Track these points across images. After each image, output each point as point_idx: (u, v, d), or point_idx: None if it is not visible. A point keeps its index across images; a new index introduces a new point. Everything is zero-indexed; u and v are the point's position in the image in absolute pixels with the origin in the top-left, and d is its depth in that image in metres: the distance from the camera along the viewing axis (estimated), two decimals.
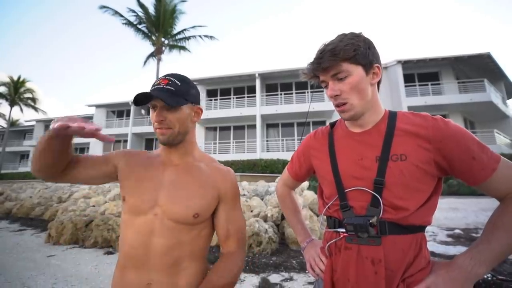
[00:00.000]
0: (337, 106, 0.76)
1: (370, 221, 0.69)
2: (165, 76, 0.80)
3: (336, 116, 14.77)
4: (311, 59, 0.77)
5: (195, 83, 0.87)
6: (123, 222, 0.81)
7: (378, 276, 0.68)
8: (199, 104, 0.87)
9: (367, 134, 0.77)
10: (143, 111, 21.50)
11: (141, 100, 0.75)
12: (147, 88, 0.85)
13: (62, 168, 0.77)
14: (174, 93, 0.77)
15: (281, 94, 16.77)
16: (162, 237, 0.76)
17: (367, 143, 0.76)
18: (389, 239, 0.69)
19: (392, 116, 0.77)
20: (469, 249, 0.67)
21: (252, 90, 17.26)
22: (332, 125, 0.91)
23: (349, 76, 0.72)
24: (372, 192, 0.71)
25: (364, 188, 0.72)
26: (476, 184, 0.67)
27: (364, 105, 0.75)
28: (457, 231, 4.77)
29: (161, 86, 0.77)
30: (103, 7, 15.66)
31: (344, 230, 0.74)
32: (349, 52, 0.70)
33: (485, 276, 2.56)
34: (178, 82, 0.79)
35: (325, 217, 0.85)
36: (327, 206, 0.81)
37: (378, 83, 0.79)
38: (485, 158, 0.65)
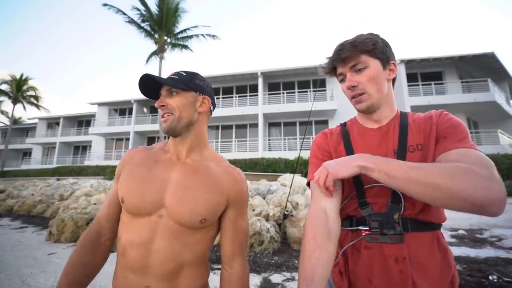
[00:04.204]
0: (353, 97, 0.79)
1: (393, 218, 0.68)
2: (176, 71, 0.85)
3: (338, 116, 14.86)
4: (330, 53, 0.81)
5: None
6: (123, 222, 0.79)
7: (403, 275, 0.65)
8: (207, 95, 0.85)
9: (383, 129, 0.79)
10: (145, 110, 21.57)
11: (148, 91, 0.82)
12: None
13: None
14: (176, 80, 0.80)
15: (283, 93, 16.74)
16: (165, 239, 0.73)
17: (384, 137, 0.78)
18: (412, 236, 0.68)
19: (403, 114, 0.81)
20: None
21: (254, 88, 17.24)
22: (344, 125, 0.90)
23: (367, 67, 0.76)
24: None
25: (384, 184, 0.70)
26: (438, 153, 0.67)
27: (381, 98, 0.78)
28: (460, 231, 4.72)
29: (168, 76, 0.82)
30: (106, 5, 15.70)
31: (367, 228, 0.71)
32: (368, 45, 0.75)
33: (491, 278, 2.55)
34: (183, 73, 0.83)
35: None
36: (342, 204, 0.78)
37: (393, 82, 0.82)
38: (462, 141, 0.66)
